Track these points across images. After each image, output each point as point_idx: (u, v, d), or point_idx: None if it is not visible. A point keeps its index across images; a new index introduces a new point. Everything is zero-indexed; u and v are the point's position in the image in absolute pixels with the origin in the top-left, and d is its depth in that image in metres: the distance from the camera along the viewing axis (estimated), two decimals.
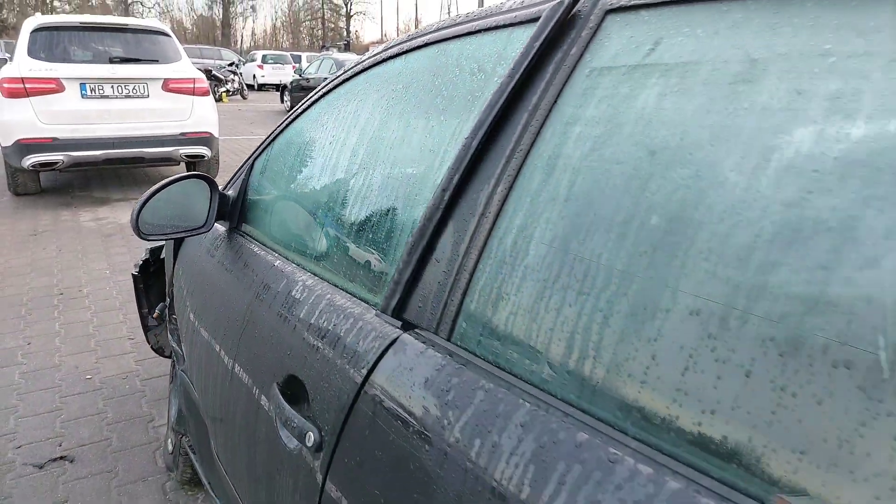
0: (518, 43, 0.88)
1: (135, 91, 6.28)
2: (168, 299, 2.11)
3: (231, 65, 22.70)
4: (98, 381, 2.92)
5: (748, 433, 0.51)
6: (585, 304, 0.66)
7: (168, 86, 6.45)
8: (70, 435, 2.51)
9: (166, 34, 6.73)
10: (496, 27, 0.96)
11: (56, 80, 5.88)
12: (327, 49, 32.13)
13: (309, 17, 69.39)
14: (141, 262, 2.48)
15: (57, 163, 5.95)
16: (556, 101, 0.79)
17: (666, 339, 0.58)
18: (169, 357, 2.51)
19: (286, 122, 1.55)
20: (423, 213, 0.91)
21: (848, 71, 0.53)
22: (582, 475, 0.58)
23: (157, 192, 1.47)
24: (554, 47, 0.83)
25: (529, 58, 0.83)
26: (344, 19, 66.41)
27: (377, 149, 1.13)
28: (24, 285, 4.09)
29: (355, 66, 1.32)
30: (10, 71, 5.92)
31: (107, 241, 5.14)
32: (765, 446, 0.50)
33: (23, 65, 5.85)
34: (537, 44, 0.83)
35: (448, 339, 0.82)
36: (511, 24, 0.93)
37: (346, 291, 1.06)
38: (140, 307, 2.57)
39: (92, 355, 3.17)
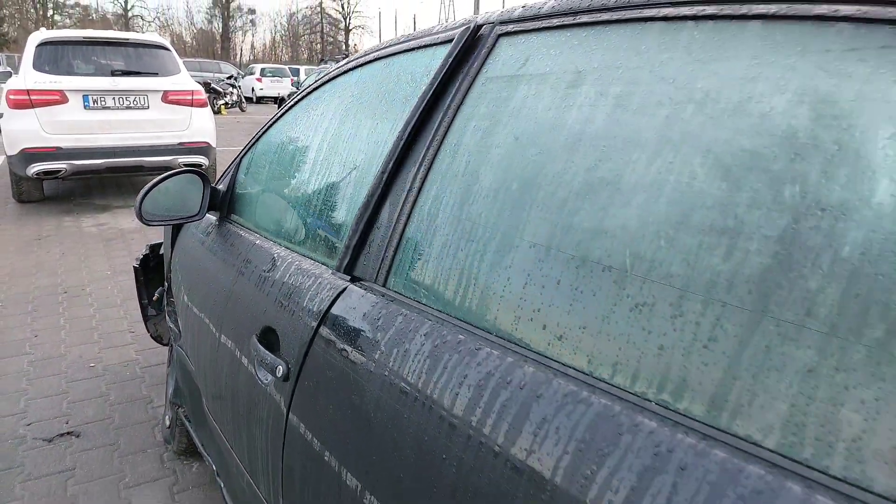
0: (439, 58, 1.14)
1: (135, 102, 6.56)
2: (166, 284, 2.36)
3: (230, 78, 23.06)
4: (101, 368, 3.16)
5: (557, 318, 0.76)
6: (469, 249, 0.91)
7: (167, 97, 6.72)
8: (76, 414, 2.74)
9: (166, 48, 7.01)
10: (426, 46, 1.22)
11: (60, 91, 6.15)
12: (326, 62, 32.57)
13: (308, 31, 70.14)
14: (141, 257, 2.73)
15: (60, 171, 6.20)
16: (462, 103, 1.04)
17: (515, 267, 0.83)
18: (166, 345, 2.74)
19: (267, 125, 1.81)
20: (368, 192, 1.16)
21: (628, 78, 0.79)
22: (458, 359, 0.83)
23: (157, 184, 1.72)
24: (463, 62, 1.08)
25: (445, 69, 1.09)
26: (343, 33, 67.13)
27: (336, 144, 1.39)
28: (30, 284, 4.33)
29: (322, 77, 1.58)
30: (16, 83, 6.19)
31: (108, 245, 5.39)
32: (558, 322, 0.75)
33: (28, 77, 6.12)
34: (451, 59, 1.09)
35: (384, 286, 1.07)
36: (435, 44, 1.18)
37: (311, 258, 1.31)
38: (140, 298, 2.81)
39: (95, 346, 3.41)
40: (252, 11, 68.21)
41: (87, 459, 2.43)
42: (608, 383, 0.67)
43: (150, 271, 2.77)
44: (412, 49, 1.26)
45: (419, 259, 1.01)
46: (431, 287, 0.97)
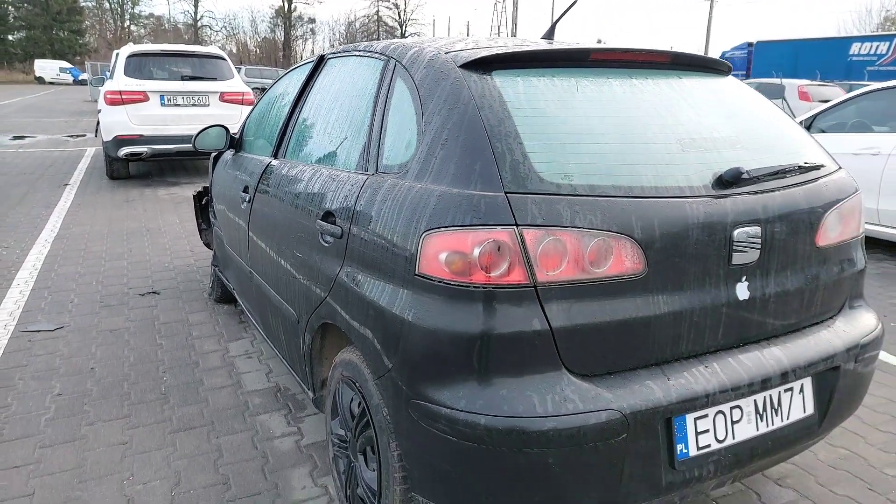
0: (309, 69, 2.76)
1: (199, 101, 8.43)
2: (210, 195, 4.06)
3: None
4: (172, 266, 4.92)
5: (310, 149, 2.38)
6: (302, 133, 2.54)
7: (223, 97, 8.58)
8: (156, 285, 4.49)
9: (223, 58, 8.90)
10: (308, 63, 2.85)
11: (143, 92, 8.06)
12: None
13: (365, 38, 72.83)
14: (198, 191, 4.45)
15: (142, 153, 8.10)
16: (310, 90, 2.67)
17: (315, 139, 2.45)
18: (212, 249, 4.44)
19: (256, 102, 3.50)
20: (282, 123, 2.80)
21: (339, 74, 2.40)
22: (288, 169, 2.45)
23: (202, 131, 3.41)
24: (315, 71, 2.71)
25: (309, 75, 2.72)
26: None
27: (277, 106, 3.04)
28: (123, 226, 6.17)
29: (280, 77, 3.25)
30: (111, 85, 8.15)
31: (177, 206, 7.22)
32: (311, 150, 2.37)
33: (120, 81, 8.06)
34: (311, 70, 2.72)
35: (284, 157, 2.70)
36: (310, 62, 2.81)
37: (266, 156, 2.95)
38: (197, 218, 4.53)
39: (168, 256, 5.18)
40: (312, 20, 71.44)
41: (164, 303, 4.17)
42: (319, 166, 2.29)
43: (202, 202, 4.48)
44: (305, 63, 2.90)
45: (296, 144, 2.65)
46: (294, 152, 2.60)
